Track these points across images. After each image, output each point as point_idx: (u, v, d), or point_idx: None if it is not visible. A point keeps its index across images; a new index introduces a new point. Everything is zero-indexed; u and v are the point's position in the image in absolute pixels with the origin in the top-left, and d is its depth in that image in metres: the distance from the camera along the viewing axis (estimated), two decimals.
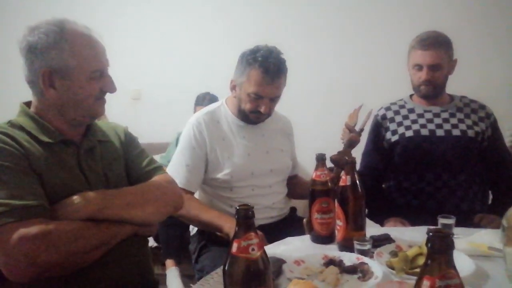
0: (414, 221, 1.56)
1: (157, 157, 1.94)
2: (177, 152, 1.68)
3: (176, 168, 1.62)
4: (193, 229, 1.76)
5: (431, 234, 0.58)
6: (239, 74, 1.59)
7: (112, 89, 1.14)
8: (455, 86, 1.86)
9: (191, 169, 1.61)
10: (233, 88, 1.65)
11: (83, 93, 1.08)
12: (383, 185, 1.89)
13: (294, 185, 1.84)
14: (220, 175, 1.61)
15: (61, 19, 1.07)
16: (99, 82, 1.10)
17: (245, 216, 0.74)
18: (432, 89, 1.72)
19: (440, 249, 0.57)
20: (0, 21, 3.58)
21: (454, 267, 0.57)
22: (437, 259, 0.57)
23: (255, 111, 1.60)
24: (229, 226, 1.46)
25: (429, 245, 0.58)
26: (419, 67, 1.70)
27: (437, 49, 1.66)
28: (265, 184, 1.67)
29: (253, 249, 0.73)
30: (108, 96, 1.16)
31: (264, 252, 0.76)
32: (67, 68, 1.05)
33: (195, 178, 1.62)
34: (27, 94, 1.13)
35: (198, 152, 1.62)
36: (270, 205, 1.67)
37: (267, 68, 1.52)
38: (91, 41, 1.09)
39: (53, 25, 1.05)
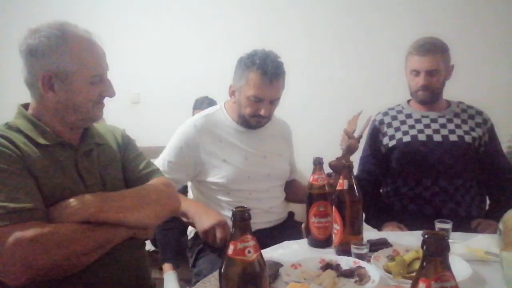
0: (411, 226, 1.57)
1: (155, 161, 1.94)
2: (167, 146, 1.70)
3: (159, 162, 1.65)
4: (190, 233, 1.76)
5: (426, 236, 0.58)
6: (238, 78, 1.60)
7: (111, 94, 1.14)
8: (452, 91, 1.87)
9: (172, 166, 1.63)
10: (232, 93, 1.66)
11: (82, 97, 1.08)
12: (380, 190, 1.90)
13: (292, 189, 1.83)
14: (216, 178, 1.61)
15: (62, 22, 1.07)
16: (98, 87, 1.10)
17: (241, 218, 0.74)
18: (429, 94, 1.73)
19: (435, 251, 0.57)
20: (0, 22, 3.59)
21: (449, 269, 0.57)
22: (433, 261, 0.57)
23: (256, 115, 1.60)
24: (193, 211, 1.49)
25: (424, 247, 0.58)
26: (416, 73, 1.71)
27: (434, 55, 1.67)
28: (263, 188, 1.67)
29: (249, 252, 0.73)
30: (107, 100, 1.16)
31: (260, 254, 0.76)
32: (67, 72, 1.05)
33: (175, 177, 1.61)
34: (26, 96, 1.13)
35: (183, 154, 1.62)
36: (267, 209, 1.67)
37: (265, 70, 1.53)
38: (92, 45, 1.10)
39: (55, 29, 1.04)
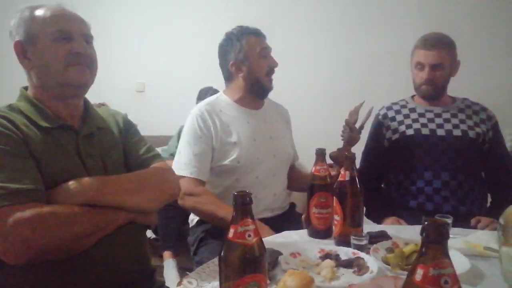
0: (411, 222, 1.57)
1: (158, 150, 1.93)
2: (182, 144, 1.67)
3: (185, 160, 1.62)
4: (192, 221, 1.76)
5: (426, 223, 0.58)
6: (237, 51, 1.67)
7: (81, 50, 1.09)
8: (457, 88, 1.86)
9: (200, 158, 1.61)
10: (237, 69, 1.69)
11: (49, 57, 1.07)
12: (382, 185, 1.90)
13: (293, 176, 1.84)
14: (227, 161, 1.62)
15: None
16: (66, 45, 1.08)
17: (242, 202, 0.74)
18: (433, 89, 1.73)
19: (435, 238, 0.57)
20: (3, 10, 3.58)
21: (448, 257, 0.57)
22: (432, 248, 0.57)
23: (270, 71, 1.69)
24: None
25: (424, 234, 0.58)
26: (421, 67, 1.71)
27: (440, 49, 1.68)
28: (269, 171, 1.68)
29: (249, 235, 0.74)
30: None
31: (260, 239, 0.76)
32: (33, 34, 1.08)
33: (205, 167, 1.62)
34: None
35: (204, 141, 1.62)
36: (272, 196, 1.68)
37: (256, 32, 1.70)
38: (57, 8, 1.11)
39: (26, 6, 1.10)
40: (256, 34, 1.69)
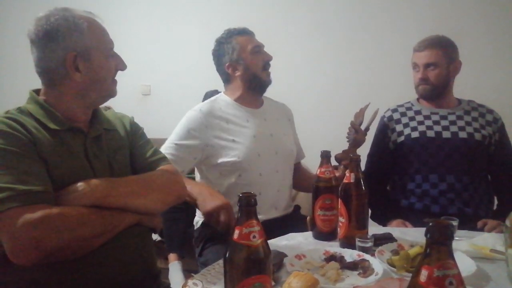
0: (417, 225, 1.56)
1: (161, 148, 1.94)
2: (173, 132, 1.70)
3: (165, 145, 1.65)
4: (197, 223, 1.77)
5: (430, 224, 0.58)
6: (230, 52, 1.70)
7: (123, 67, 1.18)
8: (463, 90, 1.86)
9: (179, 148, 1.63)
10: (233, 69, 1.72)
11: (103, 73, 1.11)
12: (387, 187, 1.89)
13: (299, 176, 1.85)
14: (227, 158, 1.63)
15: (63, 6, 1.10)
16: (113, 61, 1.15)
17: (247, 203, 0.75)
18: (429, 88, 1.75)
19: (439, 239, 0.57)
20: (5, 15, 3.63)
21: (452, 258, 0.57)
22: (436, 249, 0.57)
23: (266, 66, 1.73)
24: (197, 192, 1.45)
25: (428, 235, 0.58)
26: (416, 68, 1.76)
27: (432, 49, 1.72)
28: (272, 168, 1.69)
29: (254, 237, 0.74)
30: (118, 91, 1.19)
31: (265, 240, 0.77)
32: (89, 49, 1.08)
33: (182, 158, 1.62)
34: (35, 83, 1.15)
35: (191, 136, 1.64)
36: (276, 192, 1.69)
37: (244, 31, 1.74)
38: (97, 22, 1.14)
39: (63, 11, 1.08)
40: (244, 33, 1.72)
